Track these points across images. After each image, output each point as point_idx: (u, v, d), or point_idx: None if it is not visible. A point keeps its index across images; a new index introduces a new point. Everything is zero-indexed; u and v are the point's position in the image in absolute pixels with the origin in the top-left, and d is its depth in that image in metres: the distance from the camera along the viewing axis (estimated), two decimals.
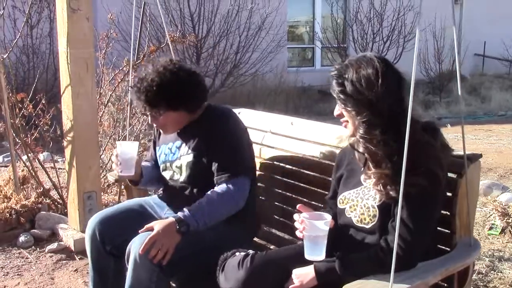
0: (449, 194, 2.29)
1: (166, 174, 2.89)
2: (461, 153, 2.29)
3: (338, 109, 2.28)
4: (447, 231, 2.33)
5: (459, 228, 2.33)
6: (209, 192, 2.63)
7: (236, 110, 3.33)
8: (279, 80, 13.89)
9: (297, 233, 2.23)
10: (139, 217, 2.78)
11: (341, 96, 2.21)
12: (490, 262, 4.04)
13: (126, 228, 2.68)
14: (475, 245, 2.34)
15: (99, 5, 10.28)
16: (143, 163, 2.99)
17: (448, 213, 2.31)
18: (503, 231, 4.59)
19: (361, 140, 2.19)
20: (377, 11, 14.34)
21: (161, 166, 2.92)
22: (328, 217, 2.17)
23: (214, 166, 2.68)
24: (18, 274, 3.93)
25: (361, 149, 2.22)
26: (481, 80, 16.42)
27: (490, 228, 4.68)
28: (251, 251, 2.39)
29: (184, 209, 2.57)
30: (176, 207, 2.74)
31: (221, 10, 12.31)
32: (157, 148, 3.00)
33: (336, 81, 2.22)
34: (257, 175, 2.97)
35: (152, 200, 3.00)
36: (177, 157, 2.82)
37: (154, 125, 2.84)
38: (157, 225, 2.51)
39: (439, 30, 14.11)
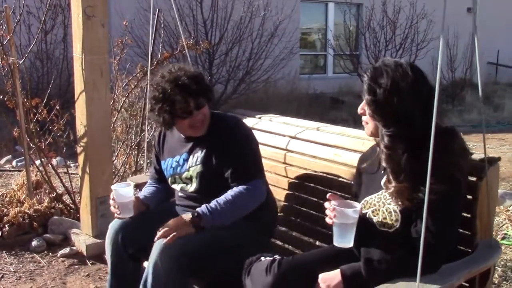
0: (469, 197, 2.33)
1: (176, 187, 2.93)
2: (480, 156, 2.33)
3: (362, 108, 2.28)
4: (468, 233, 2.36)
5: (480, 230, 2.36)
6: (226, 193, 2.68)
7: (266, 116, 3.39)
8: (291, 87, 13.89)
9: (327, 220, 2.25)
10: (163, 217, 2.75)
11: (371, 103, 2.21)
12: (503, 272, 4.02)
13: (150, 229, 2.67)
14: (495, 246, 2.37)
15: (112, 11, 10.34)
16: (144, 195, 3.00)
17: (469, 216, 2.34)
18: None
19: (384, 150, 2.19)
20: (390, 19, 14.31)
21: (169, 179, 2.96)
22: (357, 205, 2.20)
23: (228, 173, 2.72)
24: (30, 279, 3.95)
25: (383, 160, 2.22)
26: (494, 88, 16.33)
27: (503, 238, 4.66)
28: (277, 256, 2.41)
29: (203, 205, 2.65)
30: None
31: (234, 17, 12.33)
32: (162, 162, 3.03)
33: (369, 86, 2.21)
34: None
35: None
36: (185, 169, 2.85)
37: (195, 124, 2.80)
38: (171, 221, 2.59)
39: (452, 38, 14.06)
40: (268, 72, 12.93)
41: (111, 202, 2.81)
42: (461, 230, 2.34)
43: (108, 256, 2.87)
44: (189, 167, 2.83)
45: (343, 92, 14.56)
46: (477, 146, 9.39)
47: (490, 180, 2.34)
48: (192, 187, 2.84)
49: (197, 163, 2.80)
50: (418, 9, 13.68)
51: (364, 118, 2.30)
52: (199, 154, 2.81)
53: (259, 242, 2.80)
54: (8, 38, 4.72)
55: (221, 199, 2.66)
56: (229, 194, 2.68)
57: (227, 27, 12.30)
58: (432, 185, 1.90)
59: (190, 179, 2.83)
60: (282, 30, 12.90)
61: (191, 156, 2.84)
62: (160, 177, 3.08)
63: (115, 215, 2.80)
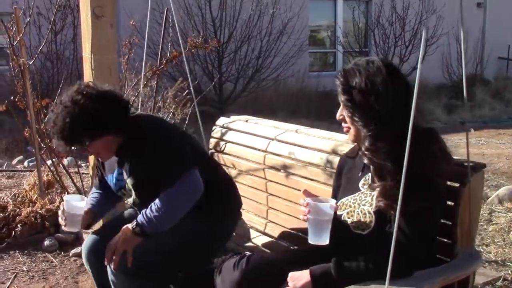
0: (451, 203, 2.26)
1: (128, 200, 2.92)
2: (465, 161, 2.26)
3: (341, 113, 2.27)
4: (448, 241, 2.29)
5: (461, 238, 2.28)
6: (157, 198, 2.61)
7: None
8: (300, 85, 13.86)
9: (301, 216, 2.24)
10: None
11: (349, 104, 2.19)
12: None
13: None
14: (476, 255, 2.32)
15: (121, 10, 10.37)
16: (90, 203, 2.96)
17: (450, 223, 2.27)
18: None
19: (366, 152, 2.17)
20: (399, 15, 14.27)
21: (119, 194, 2.92)
22: (332, 201, 2.18)
23: (158, 179, 2.64)
24: (43, 278, 3.98)
25: (365, 161, 2.20)
26: (505, 83, 16.23)
27: None
28: (247, 253, 2.40)
29: (140, 214, 2.63)
30: None
31: (243, 15, 12.34)
32: (106, 178, 2.98)
33: (343, 88, 2.20)
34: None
35: None
36: (124, 182, 2.81)
37: (88, 154, 2.81)
38: (116, 238, 2.60)
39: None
40: (278, 70, 12.92)
41: (59, 213, 2.81)
42: (440, 238, 2.27)
43: (89, 272, 2.95)
44: (125, 180, 2.78)
45: None
46: (489, 142, 9.37)
47: (473, 186, 2.25)
48: (135, 199, 2.81)
49: (128, 176, 2.74)
50: (427, 5, 13.61)
51: (344, 124, 2.28)
52: (126, 167, 2.75)
53: (217, 235, 2.81)
54: (18, 39, 4.75)
55: (153, 205, 2.60)
56: (158, 200, 2.60)
57: (236, 25, 12.31)
58: (410, 187, 1.85)
59: (130, 191, 2.80)
60: (291, 28, 12.89)
61: (123, 170, 2.79)
62: (103, 185, 3.04)
63: (62, 227, 2.80)
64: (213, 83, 10.60)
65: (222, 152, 3.65)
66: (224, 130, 3.69)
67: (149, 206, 2.60)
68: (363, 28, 15.53)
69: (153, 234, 2.60)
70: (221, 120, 3.79)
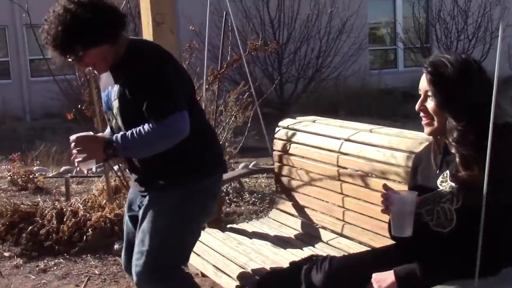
0: None
1: (110, 123, 2.75)
2: None
3: (421, 104, 2.23)
4: None
5: None
6: (143, 126, 2.47)
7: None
8: (361, 83, 13.75)
9: (382, 210, 2.22)
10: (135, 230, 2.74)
11: (439, 95, 2.15)
12: None
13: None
14: None
15: (180, 15, 10.52)
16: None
17: None
18: None
19: (453, 144, 2.13)
20: (461, 8, 13.93)
21: (107, 116, 2.76)
22: (414, 193, 2.15)
23: (144, 108, 2.49)
24: (114, 281, 4.07)
25: (453, 150, 2.16)
26: None
27: None
28: (329, 255, 2.39)
29: (117, 134, 2.50)
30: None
31: (301, 15, 12.33)
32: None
33: (434, 79, 2.15)
34: None
35: (129, 201, 2.91)
36: (112, 103, 2.65)
37: (83, 68, 2.64)
38: (85, 138, 2.51)
39: None
40: (338, 69, 12.87)
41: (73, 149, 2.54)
42: None
43: None
44: (112, 102, 2.62)
45: (415, 86, 14.04)
46: None
47: None
48: (119, 123, 2.63)
49: (115, 98, 2.59)
50: None
51: (424, 115, 2.24)
52: (116, 88, 2.58)
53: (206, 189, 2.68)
54: None
55: (136, 130, 2.46)
56: (142, 128, 2.46)
57: (294, 26, 12.33)
58: (497, 180, 1.82)
59: (115, 114, 2.64)
60: (350, 26, 12.81)
61: (112, 90, 2.62)
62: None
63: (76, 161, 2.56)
64: (274, 85, 10.64)
65: (288, 153, 3.64)
66: (289, 131, 3.67)
67: (132, 130, 2.47)
68: (424, 23, 15.26)
69: (119, 154, 2.50)
70: (286, 121, 3.77)
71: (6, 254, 4.52)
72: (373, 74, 14.83)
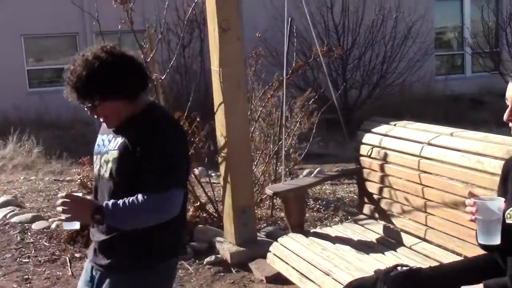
0: None
1: (95, 167, 2.71)
2: None
3: (510, 113, 2.15)
4: None
5: None
6: (136, 196, 2.44)
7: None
8: (427, 90, 13.50)
9: (468, 217, 2.16)
10: None
11: None
12: None
13: None
14: None
15: (245, 21, 10.57)
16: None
17: None
18: None
19: None
20: None
21: (94, 157, 2.74)
22: (500, 199, 2.09)
23: (145, 174, 2.46)
24: (180, 285, 4.12)
25: None
26: None
27: None
28: (415, 266, 2.34)
29: (108, 202, 2.46)
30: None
31: (366, 21, 12.21)
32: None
33: None
34: None
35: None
36: (106, 151, 2.62)
37: (93, 115, 2.58)
38: (74, 201, 2.45)
39: None
40: (403, 75, 12.67)
41: (58, 203, 2.50)
42: None
43: None
44: (109, 150, 2.59)
45: (484, 92, 13.89)
46: None
47: None
48: (106, 172, 2.58)
49: (115, 148, 2.56)
50: None
51: None
52: (120, 140, 2.55)
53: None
54: (151, 55, 4.96)
55: (129, 200, 2.43)
56: (135, 198, 2.43)
57: (359, 31, 12.21)
58: None
59: (106, 162, 2.60)
60: (416, 31, 12.60)
61: (113, 139, 2.60)
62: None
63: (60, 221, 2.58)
64: (339, 91, 10.54)
65: (369, 157, 3.67)
66: (375, 135, 3.69)
67: (125, 199, 2.44)
68: (494, 27, 14.83)
69: (107, 222, 2.46)
70: (366, 125, 3.81)
71: (77, 255, 4.66)
72: (439, 80, 14.52)
